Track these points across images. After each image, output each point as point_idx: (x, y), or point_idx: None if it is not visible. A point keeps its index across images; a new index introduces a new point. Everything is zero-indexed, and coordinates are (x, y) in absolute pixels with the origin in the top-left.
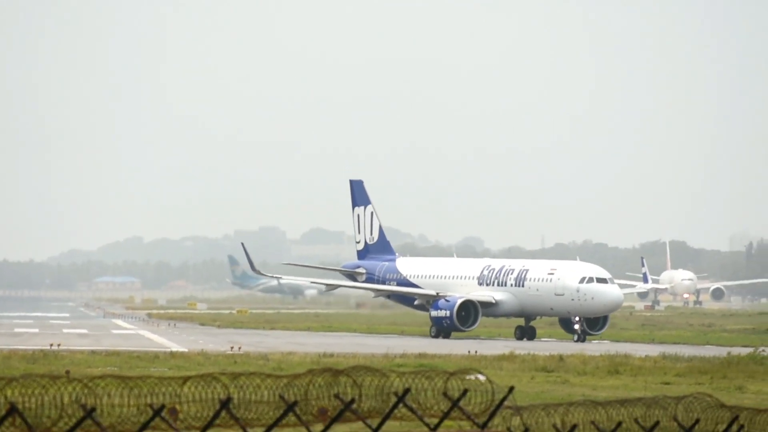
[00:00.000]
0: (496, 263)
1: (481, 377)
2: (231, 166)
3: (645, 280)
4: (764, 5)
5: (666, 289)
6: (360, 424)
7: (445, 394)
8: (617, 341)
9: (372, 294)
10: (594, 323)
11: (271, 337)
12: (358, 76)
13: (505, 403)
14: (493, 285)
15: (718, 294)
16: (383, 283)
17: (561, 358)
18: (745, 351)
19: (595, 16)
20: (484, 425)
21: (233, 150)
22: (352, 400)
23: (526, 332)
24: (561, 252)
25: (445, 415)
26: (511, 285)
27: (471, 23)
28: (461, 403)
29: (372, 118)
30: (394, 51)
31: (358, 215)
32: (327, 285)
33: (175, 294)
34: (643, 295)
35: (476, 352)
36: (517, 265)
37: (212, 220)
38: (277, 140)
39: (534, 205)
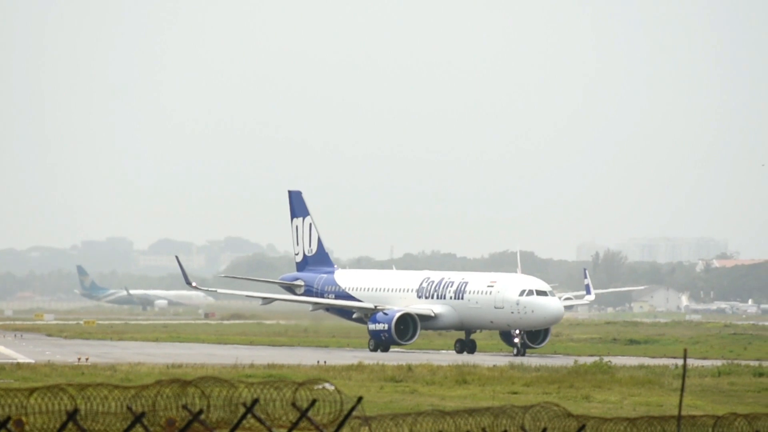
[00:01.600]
0: (436, 276)
1: (330, 387)
2: (77, 175)
3: (588, 292)
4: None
5: None
6: None
7: (293, 405)
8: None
9: (309, 307)
10: (535, 336)
11: (118, 348)
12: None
13: (354, 413)
14: (432, 298)
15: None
16: (321, 295)
17: (410, 368)
18: (591, 360)
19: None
20: None
21: (81, 158)
22: (200, 411)
23: (467, 345)
24: (410, 262)
25: (294, 425)
26: (451, 298)
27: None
28: (310, 413)
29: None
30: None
31: (297, 227)
32: (263, 298)
33: (21, 305)
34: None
35: (325, 362)
36: (456, 277)
37: (59, 230)
38: (127, 148)
39: (382, 215)
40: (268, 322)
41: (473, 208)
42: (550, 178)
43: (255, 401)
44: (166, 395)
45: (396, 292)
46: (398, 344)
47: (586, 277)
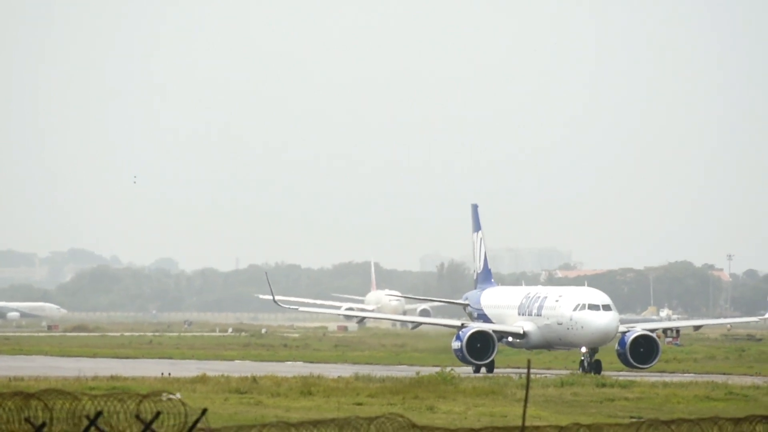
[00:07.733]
0: (533, 291)
1: (174, 397)
2: None
3: None
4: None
5: (373, 310)
6: None
7: (137, 417)
8: (311, 362)
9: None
10: (646, 356)
11: None
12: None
13: (199, 425)
14: (526, 314)
15: (425, 314)
16: (471, 314)
17: (254, 379)
18: (435, 370)
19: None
20: None
21: None
22: (43, 424)
23: (591, 366)
24: (254, 273)
25: None
26: (535, 314)
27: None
28: (154, 426)
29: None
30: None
31: (473, 242)
32: (358, 317)
33: None
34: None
35: (170, 374)
36: (543, 292)
37: None
38: None
39: (228, 226)
40: (112, 334)
41: (318, 217)
42: (393, 189)
43: (98, 413)
44: (8, 408)
45: (507, 309)
46: (472, 364)
47: None
